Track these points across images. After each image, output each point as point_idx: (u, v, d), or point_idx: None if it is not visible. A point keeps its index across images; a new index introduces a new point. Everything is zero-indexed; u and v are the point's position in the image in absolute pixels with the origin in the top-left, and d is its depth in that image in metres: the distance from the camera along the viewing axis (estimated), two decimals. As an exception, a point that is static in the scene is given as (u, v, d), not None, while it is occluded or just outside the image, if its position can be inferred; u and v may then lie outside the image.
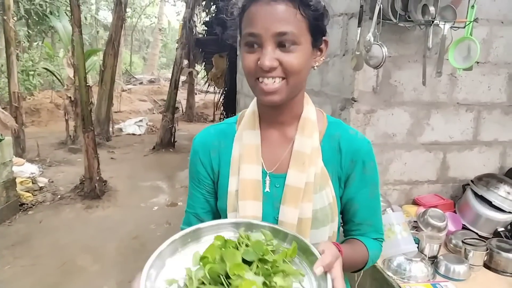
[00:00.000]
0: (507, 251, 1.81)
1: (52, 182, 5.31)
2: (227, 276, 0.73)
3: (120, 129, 9.17)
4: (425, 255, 1.83)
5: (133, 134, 8.95)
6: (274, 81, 0.86)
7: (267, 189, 0.96)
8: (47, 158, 6.32)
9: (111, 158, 6.82)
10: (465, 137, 2.32)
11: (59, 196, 4.84)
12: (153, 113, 11.90)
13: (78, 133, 6.83)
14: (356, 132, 1.01)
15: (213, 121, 10.57)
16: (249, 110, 1.02)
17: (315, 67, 0.94)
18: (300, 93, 0.95)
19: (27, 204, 4.51)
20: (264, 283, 0.72)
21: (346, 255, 0.88)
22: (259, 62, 0.85)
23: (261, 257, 0.77)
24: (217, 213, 1.06)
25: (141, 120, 9.53)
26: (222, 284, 0.72)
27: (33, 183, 4.95)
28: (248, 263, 0.76)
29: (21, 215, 4.31)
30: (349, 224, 1.05)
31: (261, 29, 0.83)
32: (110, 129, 8.30)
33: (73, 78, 5.77)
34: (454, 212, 2.21)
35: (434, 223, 1.98)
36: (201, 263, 0.77)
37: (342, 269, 0.78)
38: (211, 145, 1.03)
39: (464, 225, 2.11)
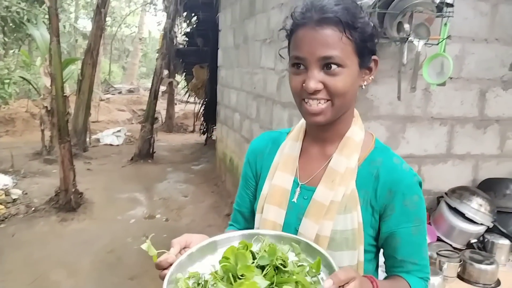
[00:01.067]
0: (480, 262, 1.85)
1: (26, 194, 5.16)
2: (238, 276, 0.79)
3: (98, 140, 9.01)
4: (401, 268, 1.85)
5: (111, 145, 8.79)
6: (319, 103, 0.89)
7: (294, 199, 0.99)
8: (21, 169, 6.14)
9: (88, 169, 6.69)
10: (439, 150, 2.38)
11: (33, 209, 4.70)
12: (132, 123, 11.76)
13: (54, 143, 6.68)
14: (402, 162, 0.97)
15: (193, 131, 10.52)
16: (298, 124, 1.07)
17: (363, 86, 0.96)
18: (347, 112, 0.97)
19: (0, 216, 4.36)
20: None
21: (383, 286, 0.87)
22: (304, 84, 0.88)
23: (276, 263, 0.80)
24: (251, 214, 1.12)
25: (119, 131, 9.39)
26: (231, 283, 0.78)
27: (6, 195, 4.80)
28: (263, 268, 0.81)
29: (-7, 229, 4.17)
30: (390, 260, 1.00)
31: (306, 53, 0.87)
32: (87, 139, 8.15)
33: (50, 88, 5.65)
34: (429, 224, 2.24)
35: (410, 235, 2.01)
36: (220, 262, 0.84)
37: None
38: (261, 149, 1.10)
39: (438, 237, 2.15)
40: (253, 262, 0.82)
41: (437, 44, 2.00)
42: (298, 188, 1.00)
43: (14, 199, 4.84)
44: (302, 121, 1.06)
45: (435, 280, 1.75)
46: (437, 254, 1.91)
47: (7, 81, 9.97)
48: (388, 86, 2.20)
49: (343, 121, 0.97)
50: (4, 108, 9.91)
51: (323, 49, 0.86)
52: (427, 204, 2.40)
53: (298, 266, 0.83)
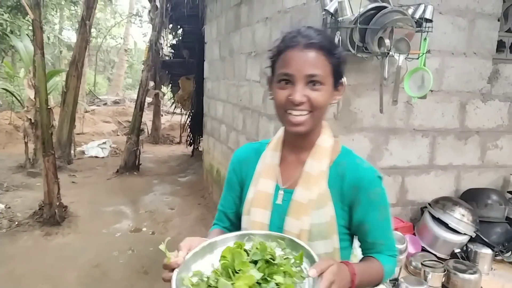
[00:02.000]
0: (463, 271, 1.88)
1: (9, 208, 5.06)
2: (236, 271, 0.92)
3: (83, 152, 8.90)
4: (386, 278, 1.88)
5: (96, 157, 8.69)
6: (301, 114, 1.04)
7: (278, 201, 1.13)
8: (4, 183, 6.03)
9: (72, 182, 6.60)
10: (422, 161, 2.43)
11: (16, 223, 4.61)
12: (118, 135, 11.65)
13: (38, 156, 6.58)
14: (363, 162, 1.15)
15: (179, 143, 10.48)
16: (276, 135, 1.22)
17: (332, 104, 1.12)
18: (318, 124, 1.13)
19: (-19, 231, 4.27)
20: (265, 279, 0.90)
21: (360, 269, 1.02)
22: (290, 97, 1.03)
23: (266, 258, 0.94)
24: (236, 216, 1.26)
25: (104, 143, 9.30)
26: (231, 277, 0.91)
27: (-12, 209, 4.71)
28: (256, 263, 0.94)
29: (-26, 244, 4.07)
30: (363, 244, 1.17)
31: (295, 70, 1.03)
32: (72, 151, 8.05)
33: (33, 100, 5.57)
34: (414, 234, 2.28)
35: (394, 245, 2.03)
36: (220, 260, 0.96)
37: (335, 272, 0.90)
38: (246, 159, 1.25)
39: (423, 247, 2.18)
40: (247, 258, 0.95)
41: (417, 58, 2.05)
42: (281, 191, 1.14)
43: (-4, 213, 4.75)
44: (280, 133, 1.21)
45: None
46: (422, 264, 1.94)
47: (-11, 93, 9.83)
48: (370, 99, 2.25)
49: (316, 131, 1.14)
50: (-14, 120, 9.74)
51: (310, 68, 1.02)
52: (412, 215, 2.45)
53: (284, 259, 0.96)
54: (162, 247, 0.95)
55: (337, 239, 1.10)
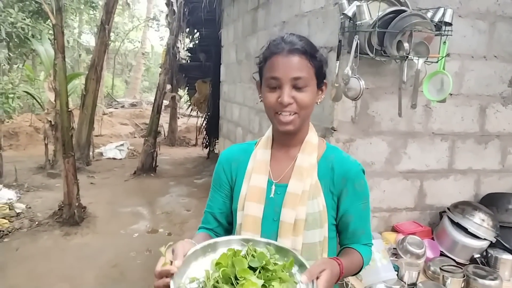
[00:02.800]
0: (483, 277, 1.85)
1: (30, 208, 5.18)
2: (236, 278, 0.94)
3: (101, 153, 9.05)
4: (405, 283, 1.86)
5: (114, 159, 8.84)
6: (290, 114, 1.13)
7: (271, 195, 1.20)
8: (25, 183, 6.18)
9: (91, 183, 6.71)
10: (441, 165, 2.40)
11: (36, 223, 4.72)
12: (135, 137, 11.81)
13: (58, 157, 6.72)
14: (348, 156, 1.26)
15: (195, 145, 10.56)
16: (265, 135, 1.30)
17: (318, 103, 1.21)
18: (305, 122, 1.22)
19: (3, 231, 4.38)
20: (264, 286, 0.94)
21: (346, 265, 1.10)
22: (279, 99, 1.12)
23: (263, 265, 0.98)
24: (231, 215, 1.31)
25: (122, 144, 9.44)
26: (232, 284, 0.93)
27: (10, 209, 4.82)
28: (253, 269, 0.98)
29: (-3, 243, 4.18)
30: (344, 234, 1.25)
31: (281, 74, 1.11)
32: (91, 153, 8.19)
33: (54, 102, 5.71)
34: (432, 239, 2.25)
35: (412, 250, 2.02)
36: (216, 267, 0.99)
37: (328, 280, 0.98)
38: (233, 158, 1.31)
39: (442, 251, 2.15)
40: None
41: (437, 61, 2.04)
42: (273, 186, 1.22)
43: (18, 213, 4.87)
44: (268, 133, 1.30)
45: None
46: (440, 269, 1.91)
47: (11, 95, 10.05)
48: (389, 102, 2.24)
49: (303, 129, 1.23)
50: (8, 122, 9.96)
51: (295, 71, 1.11)
52: (430, 219, 2.42)
53: (275, 264, 1.00)
54: (162, 249, 0.99)
55: (327, 228, 1.18)
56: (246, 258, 1.00)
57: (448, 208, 2.26)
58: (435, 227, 2.32)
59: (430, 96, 2.08)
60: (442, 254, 2.15)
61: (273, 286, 0.94)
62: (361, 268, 1.22)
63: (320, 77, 1.18)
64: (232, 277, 0.95)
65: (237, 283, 0.93)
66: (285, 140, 1.24)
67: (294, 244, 1.12)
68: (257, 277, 0.96)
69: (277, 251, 1.07)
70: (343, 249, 1.27)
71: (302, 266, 1.02)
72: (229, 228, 1.33)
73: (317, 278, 0.96)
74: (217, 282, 0.94)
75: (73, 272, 3.66)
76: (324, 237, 1.17)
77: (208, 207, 1.35)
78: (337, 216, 1.24)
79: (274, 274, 0.97)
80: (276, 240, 1.13)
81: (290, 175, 1.20)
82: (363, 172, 1.24)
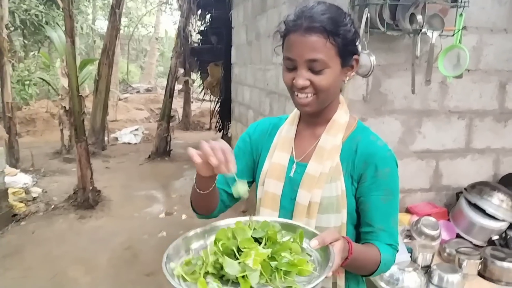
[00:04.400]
0: (502, 259, 1.79)
1: (46, 192, 5.27)
2: (239, 251, 0.87)
3: (116, 138, 9.13)
4: (418, 265, 1.81)
5: (129, 143, 8.90)
6: (307, 96, 1.05)
7: (291, 173, 1.14)
8: (41, 168, 6.27)
9: (106, 167, 6.78)
10: (458, 144, 2.31)
11: (52, 207, 4.80)
12: (150, 122, 11.87)
13: (73, 143, 6.77)
14: (377, 139, 1.13)
15: (209, 129, 10.55)
16: (294, 110, 1.21)
17: (346, 81, 1.11)
18: (333, 101, 1.13)
19: (20, 214, 4.46)
20: (272, 258, 0.85)
21: (356, 250, 0.98)
22: (294, 81, 1.04)
23: (269, 236, 0.91)
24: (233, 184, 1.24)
25: (137, 129, 9.49)
26: (236, 257, 0.85)
27: (26, 193, 4.90)
28: (258, 243, 0.90)
29: (14, 226, 4.26)
30: (362, 226, 1.13)
31: (296, 55, 1.02)
32: (106, 138, 8.26)
33: (67, 88, 5.75)
34: (448, 220, 2.19)
35: (427, 231, 1.95)
36: (215, 244, 0.91)
37: (342, 250, 0.91)
38: (264, 131, 1.26)
39: (458, 233, 2.09)
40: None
41: (453, 35, 1.93)
42: (294, 165, 1.15)
43: (34, 197, 4.95)
44: (296, 109, 1.20)
45: (454, 277, 1.71)
46: (456, 251, 1.86)
47: (27, 82, 10.20)
48: (402, 79, 2.15)
49: (330, 108, 1.13)
50: (25, 108, 10.13)
51: (310, 52, 1.01)
52: (446, 200, 2.35)
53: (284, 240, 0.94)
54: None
55: (345, 214, 1.09)
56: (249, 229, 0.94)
57: (465, 189, 2.19)
58: (451, 208, 2.25)
59: (445, 72, 1.99)
60: (458, 236, 2.09)
61: (282, 256, 0.85)
62: (377, 269, 1.07)
63: (346, 54, 1.05)
64: (234, 250, 0.86)
65: (240, 256, 0.86)
66: (310, 119, 1.16)
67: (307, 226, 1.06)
68: (263, 247, 0.88)
69: (284, 228, 1.00)
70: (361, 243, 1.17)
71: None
72: (229, 198, 1.24)
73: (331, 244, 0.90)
74: (217, 259, 0.86)
75: (87, 254, 3.71)
76: (342, 223, 1.09)
77: None
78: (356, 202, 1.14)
79: (282, 245, 0.89)
80: (291, 220, 1.08)
81: (312, 154, 1.13)
82: (394, 161, 1.10)
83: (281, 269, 0.83)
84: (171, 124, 7.73)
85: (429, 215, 2.10)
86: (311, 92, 1.04)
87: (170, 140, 7.61)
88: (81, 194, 4.75)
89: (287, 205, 1.12)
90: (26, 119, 9.70)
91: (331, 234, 0.91)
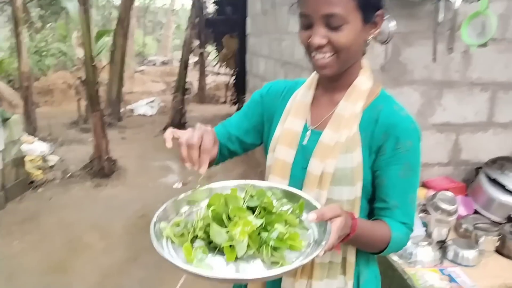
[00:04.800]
0: (521, 236, 1.74)
1: (63, 160, 5.35)
2: (230, 219, 0.82)
3: (132, 110, 9.17)
4: (433, 240, 1.77)
5: (144, 115, 8.94)
6: (325, 56, 0.95)
7: (305, 141, 1.06)
8: (58, 137, 6.36)
9: (122, 138, 6.84)
10: (479, 118, 2.23)
11: (69, 174, 4.87)
12: (166, 94, 11.88)
13: (89, 113, 6.85)
14: (402, 109, 1.03)
15: (224, 102, 10.51)
16: (312, 74, 1.12)
17: (368, 41, 1.01)
18: (354, 64, 1.03)
19: (37, 182, 4.55)
20: (264, 228, 0.80)
21: (362, 227, 0.92)
22: (310, 39, 0.95)
23: (264, 206, 0.85)
24: (241, 146, 1.18)
25: (152, 101, 9.50)
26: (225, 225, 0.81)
27: (43, 161, 4.99)
28: (252, 211, 0.85)
29: (31, 193, 4.35)
30: (377, 202, 1.05)
31: (311, 11, 0.93)
32: (122, 109, 8.31)
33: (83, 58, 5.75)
34: (466, 195, 2.13)
35: (443, 206, 1.89)
36: (207, 209, 0.87)
37: (342, 228, 0.83)
38: (278, 93, 1.17)
39: (475, 209, 2.04)
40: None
41: (478, 1, 1.82)
42: (308, 132, 1.07)
43: (51, 165, 5.04)
44: (314, 72, 1.11)
45: (470, 253, 1.68)
46: (474, 227, 1.82)
47: (44, 53, 10.26)
48: (423, 48, 2.05)
49: (351, 72, 1.03)
50: (43, 79, 10.23)
51: (326, 6, 0.91)
52: (465, 175, 2.28)
53: (281, 209, 0.88)
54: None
55: (360, 187, 1.01)
56: (244, 200, 0.89)
57: (486, 164, 2.12)
58: (470, 183, 2.18)
59: (469, 40, 1.88)
60: (476, 212, 2.03)
61: (275, 228, 0.80)
62: (386, 248, 1.00)
63: (368, 9, 0.95)
64: (225, 218, 0.82)
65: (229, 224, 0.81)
66: (329, 83, 1.07)
67: (317, 198, 0.98)
68: (256, 217, 0.84)
69: (286, 196, 0.95)
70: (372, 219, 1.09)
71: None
72: (230, 154, 1.19)
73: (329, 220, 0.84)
74: (207, 224, 0.82)
75: (102, 221, 3.77)
76: (356, 197, 1.00)
77: (227, 121, 1.21)
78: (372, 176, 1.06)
79: (278, 217, 0.84)
80: (301, 190, 1.01)
81: (327, 122, 1.04)
82: (417, 134, 1.01)
83: (269, 243, 0.78)
84: (186, 96, 7.70)
85: (447, 189, 2.04)
86: (330, 52, 0.94)
87: (185, 112, 7.60)
88: (96, 163, 4.81)
89: (298, 174, 1.04)
90: (44, 89, 9.80)
91: (332, 209, 0.84)
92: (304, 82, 1.14)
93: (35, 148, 5.06)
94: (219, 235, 0.79)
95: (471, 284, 1.58)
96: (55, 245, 3.32)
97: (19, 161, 4.27)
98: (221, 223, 0.82)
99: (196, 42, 8.06)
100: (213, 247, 0.81)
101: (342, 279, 1.04)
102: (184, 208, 0.95)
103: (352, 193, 1.00)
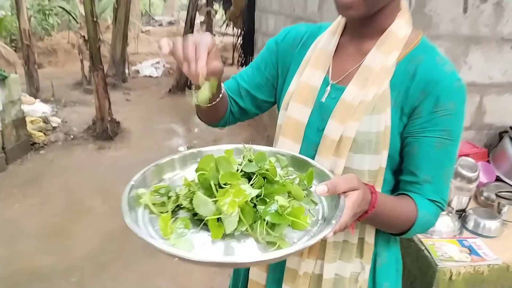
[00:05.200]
0: (548, 206, 1.60)
1: (66, 122, 5.26)
2: (220, 187, 0.68)
3: (137, 71, 8.99)
4: (452, 208, 1.65)
5: (150, 76, 8.77)
6: None
7: (323, 98, 0.90)
8: (62, 99, 6.25)
9: (126, 99, 6.71)
10: (507, 78, 2.05)
11: (71, 136, 4.80)
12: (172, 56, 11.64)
13: (93, 73, 6.69)
14: (446, 63, 0.83)
15: (232, 64, 10.26)
16: (338, 18, 0.95)
17: None
18: (390, 5, 0.84)
19: (39, 143, 4.47)
20: (263, 200, 0.67)
21: (383, 204, 0.77)
22: None
23: (264, 172, 0.72)
24: (253, 103, 1.04)
25: (158, 62, 9.30)
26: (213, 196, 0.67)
27: (45, 122, 4.89)
28: (249, 179, 0.72)
29: (33, 155, 4.29)
30: (404, 174, 0.88)
31: None
32: (126, 70, 8.13)
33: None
34: (488, 162, 1.98)
35: (464, 173, 1.75)
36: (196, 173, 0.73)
37: (358, 203, 0.70)
38: (295, 39, 0.99)
39: (498, 176, 1.90)
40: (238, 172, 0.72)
41: None
42: (329, 87, 0.90)
43: (54, 127, 4.95)
44: (340, 16, 0.93)
45: (491, 224, 1.56)
46: (496, 195, 1.68)
47: (47, 12, 10.00)
48: (451, -2, 1.84)
49: (385, 14, 0.84)
50: (47, 39, 10.02)
51: None
52: (487, 140, 2.12)
53: (286, 179, 0.75)
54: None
55: (386, 156, 0.85)
56: (240, 165, 0.75)
57: (511, 128, 1.97)
58: (493, 149, 2.03)
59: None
60: (498, 180, 1.89)
61: (275, 201, 0.66)
62: (410, 229, 0.85)
63: None
64: (213, 185, 0.68)
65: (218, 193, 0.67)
66: (358, 28, 0.89)
67: (333, 166, 0.85)
68: (254, 187, 0.69)
69: (293, 164, 0.81)
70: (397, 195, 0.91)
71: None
72: (241, 112, 1.05)
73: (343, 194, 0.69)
74: (193, 192, 0.68)
75: (105, 184, 3.70)
76: (380, 167, 0.85)
77: (239, 74, 1.06)
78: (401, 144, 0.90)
79: (280, 187, 0.70)
80: (313, 157, 0.86)
81: (352, 77, 0.88)
82: (463, 95, 0.83)
83: (265, 218, 0.64)
84: (192, 57, 7.46)
85: (467, 155, 1.90)
86: None
87: (191, 73, 7.40)
88: (99, 125, 4.71)
89: (313, 136, 0.89)
90: (48, 49, 9.63)
91: (348, 181, 0.69)
92: (329, 27, 0.96)
93: (36, 109, 4.97)
94: (204, 205, 0.64)
95: (494, 256, 1.47)
96: (57, 208, 3.27)
97: (20, 122, 4.17)
98: (209, 192, 0.67)
99: (203, 0, 7.73)
100: (198, 220, 0.67)
101: (359, 263, 0.90)
102: (169, 174, 0.81)
103: (376, 162, 0.84)
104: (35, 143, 4.43)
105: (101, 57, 4.66)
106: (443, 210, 0.88)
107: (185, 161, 0.83)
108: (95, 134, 4.76)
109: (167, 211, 0.67)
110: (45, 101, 5.76)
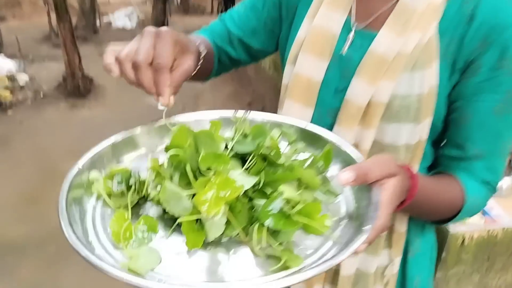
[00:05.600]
0: None
1: (34, 79, 4.93)
2: (200, 172, 0.47)
3: (110, 23, 8.47)
4: None
5: (124, 29, 8.29)
6: None
7: (344, 49, 0.68)
8: (29, 54, 5.83)
9: (99, 54, 6.31)
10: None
11: (41, 95, 4.53)
12: (146, 5, 11.03)
13: (61, 25, 6.26)
14: None
15: (211, 13, 9.78)
16: None
17: None
18: None
19: (6, 103, 4.20)
20: (262, 192, 0.47)
21: (424, 189, 0.58)
22: None
23: (264, 151, 0.51)
24: (246, 52, 0.84)
25: (131, 12, 8.78)
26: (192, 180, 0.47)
27: (11, 80, 4.56)
28: (243, 161, 0.51)
29: (-1, 116, 4.05)
30: (448, 148, 0.69)
31: None
32: (97, 21, 7.66)
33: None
34: None
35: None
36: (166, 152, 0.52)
37: (397, 194, 0.51)
38: None
39: None
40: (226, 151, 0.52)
41: None
42: (352, 33, 0.68)
43: (21, 85, 4.64)
44: None
45: (503, 182, 1.48)
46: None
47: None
48: None
49: None
50: (9, -11, 9.32)
51: None
52: None
53: (294, 161, 0.54)
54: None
55: (428, 126, 0.66)
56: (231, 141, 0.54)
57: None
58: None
59: None
60: None
61: (280, 193, 0.45)
62: (455, 216, 0.67)
63: None
64: (190, 171, 0.47)
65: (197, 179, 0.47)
66: None
67: (358, 141, 0.67)
68: (250, 173, 0.49)
69: (304, 138, 0.60)
70: (436, 172, 0.73)
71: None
72: (232, 62, 0.86)
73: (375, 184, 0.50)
74: (158, 172, 0.50)
75: (79, 145, 3.42)
76: (419, 140, 0.67)
77: (228, 17, 0.84)
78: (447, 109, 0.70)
79: (287, 172, 0.49)
80: (331, 127, 0.66)
81: (386, 19, 0.66)
82: None
83: (265, 222, 0.43)
84: (167, 6, 7.05)
85: None
86: None
87: (168, 24, 7.01)
88: (70, 82, 4.44)
89: (330, 99, 0.69)
90: (11, 1, 8.94)
91: (383, 165, 0.50)
92: None
93: (0, 66, 4.60)
94: (175, 201, 0.44)
95: (508, 218, 1.36)
96: (28, 174, 3.11)
97: (-18, 81, 3.86)
98: (186, 180, 0.47)
99: None
100: (168, 218, 0.47)
101: (386, 255, 0.73)
102: (133, 154, 0.61)
103: (415, 134, 0.65)
104: (1, 103, 4.17)
105: (67, 7, 4.30)
106: (494, 191, 0.70)
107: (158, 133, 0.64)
108: (66, 92, 4.50)
109: (126, 206, 0.48)
110: (10, 57, 5.36)
